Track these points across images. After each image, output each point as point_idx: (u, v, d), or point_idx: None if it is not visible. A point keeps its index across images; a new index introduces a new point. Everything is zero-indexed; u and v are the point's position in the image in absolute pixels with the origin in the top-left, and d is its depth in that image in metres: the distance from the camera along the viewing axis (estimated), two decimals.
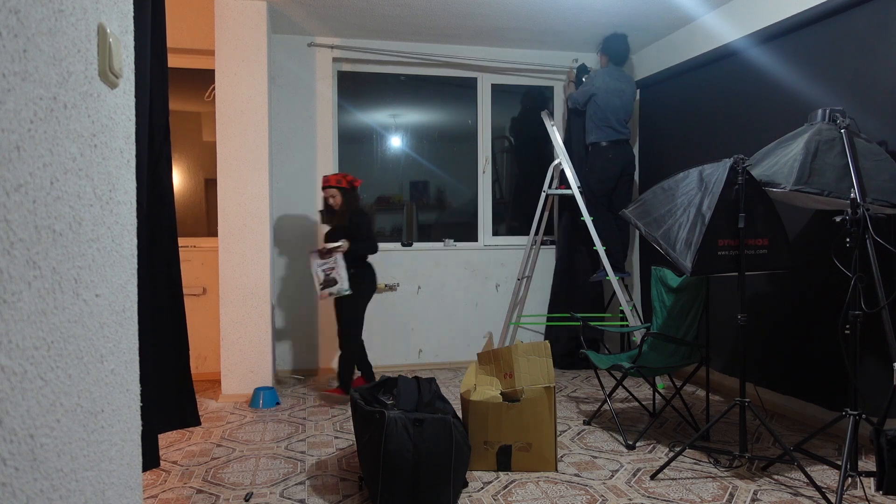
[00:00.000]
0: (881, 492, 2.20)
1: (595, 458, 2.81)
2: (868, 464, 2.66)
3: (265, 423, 3.33)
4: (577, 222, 4.44)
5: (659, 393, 3.40)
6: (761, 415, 2.58)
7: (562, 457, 2.81)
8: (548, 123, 4.44)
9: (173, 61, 3.39)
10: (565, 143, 4.56)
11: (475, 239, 4.88)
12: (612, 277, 4.10)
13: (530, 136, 5.06)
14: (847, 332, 2.30)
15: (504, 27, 4.25)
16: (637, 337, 4.07)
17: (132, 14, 1.25)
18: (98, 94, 1.06)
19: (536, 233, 4.50)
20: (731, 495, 2.38)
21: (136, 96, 1.28)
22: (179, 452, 2.89)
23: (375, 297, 4.13)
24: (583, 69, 4.61)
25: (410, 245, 4.69)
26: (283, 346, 4.43)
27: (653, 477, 2.57)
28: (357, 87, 4.70)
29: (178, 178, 4.45)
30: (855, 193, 2.29)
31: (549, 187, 4.44)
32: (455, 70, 4.78)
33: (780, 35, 3.27)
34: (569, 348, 4.53)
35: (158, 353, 2.12)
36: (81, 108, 0.98)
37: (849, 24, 2.88)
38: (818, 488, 2.31)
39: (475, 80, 4.86)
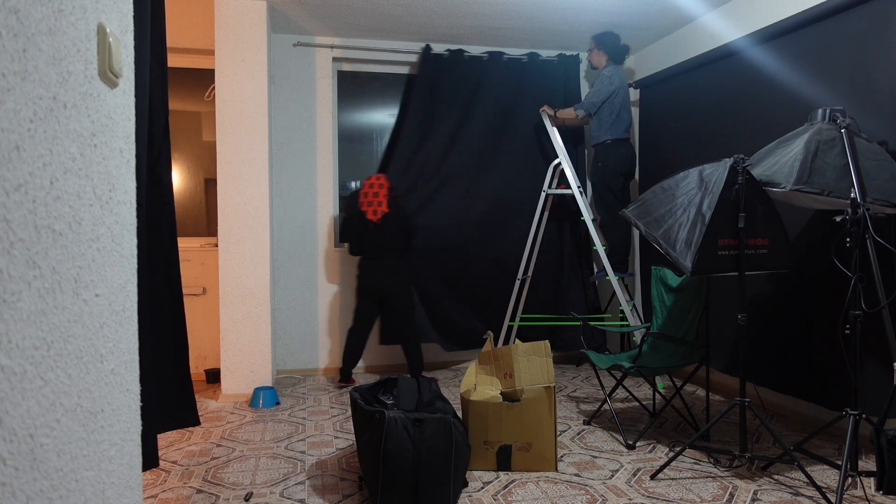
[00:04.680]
0: (881, 492, 2.21)
1: (595, 457, 2.81)
2: (868, 464, 2.66)
3: (265, 423, 3.33)
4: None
5: (659, 393, 3.40)
6: (761, 415, 2.59)
7: (562, 457, 2.81)
8: (547, 122, 4.44)
9: (173, 61, 3.41)
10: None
11: None
12: (612, 277, 4.10)
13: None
14: (847, 332, 2.30)
15: (504, 27, 4.25)
16: (637, 337, 4.07)
17: (132, 13, 1.25)
18: (98, 94, 1.06)
19: (536, 233, 4.50)
20: (731, 495, 2.38)
21: (135, 96, 1.28)
22: (179, 452, 2.89)
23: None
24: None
25: None
26: (283, 346, 4.43)
27: (653, 477, 2.57)
28: (357, 87, 4.70)
29: (178, 178, 4.45)
30: (855, 193, 2.29)
31: (549, 187, 4.44)
32: None
33: (780, 35, 3.27)
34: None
35: (158, 353, 2.12)
36: (81, 107, 0.98)
37: (849, 24, 2.88)
38: (818, 488, 2.31)
39: None
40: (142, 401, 1.32)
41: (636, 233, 4.66)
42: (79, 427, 0.95)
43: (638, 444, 2.96)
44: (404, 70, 4.69)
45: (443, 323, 4.45)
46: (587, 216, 4.23)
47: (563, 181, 4.41)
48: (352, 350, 4.04)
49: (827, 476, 2.55)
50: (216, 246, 3.98)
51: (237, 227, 3.80)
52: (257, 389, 3.68)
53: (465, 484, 2.49)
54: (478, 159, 4.52)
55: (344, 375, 4.08)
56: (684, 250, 2.46)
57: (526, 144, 4.63)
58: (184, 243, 3.74)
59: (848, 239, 2.25)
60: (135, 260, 1.28)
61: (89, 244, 1.01)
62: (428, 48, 4.48)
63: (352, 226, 3.98)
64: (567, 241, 4.70)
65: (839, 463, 2.38)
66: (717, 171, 2.51)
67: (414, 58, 4.57)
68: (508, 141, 4.60)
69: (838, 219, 2.27)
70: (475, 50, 4.61)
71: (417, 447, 2.22)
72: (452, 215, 4.44)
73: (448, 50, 4.51)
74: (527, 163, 4.62)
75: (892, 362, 2.22)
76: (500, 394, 2.67)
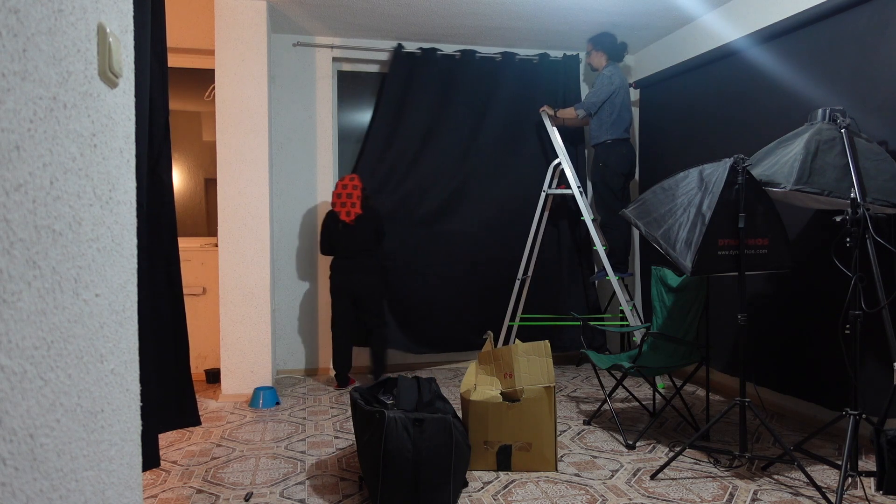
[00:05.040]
0: (881, 492, 2.21)
1: (595, 457, 2.81)
2: (868, 464, 2.66)
3: (265, 423, 3.33)
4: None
5: (659, 393, 3.40)
6: (761, 415, 2.58)
7: (562, 457, 2.81)
8: (547, 122, 4.44)
9: (173, 61, 3.40)
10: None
11: None
12: (612, 277, 4.10)
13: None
14: (847, 332, 2.30)
15: (504, 27, 4.25)
16: (637, 337, 4.07)
17: (132, 13, 1.25)
18: (98, 94, 1.06)
19: (536, 233, 4.50)
20: (731, 495, 2.38)
21: (135, 96, 1.28)
22: (179, 452, 2.89)
23: None
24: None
25: None
26: (283, 345, 4.43)
27: (653, 477, 2.57)
28: (357, 87, 4.70)
29: (178, 178, 4.45)
30: (855, 193, 2.29)
31: (549, 187, 4.44)
32: None
33: (780, 35, 3.27)
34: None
35: (158, 353, 2.12)
36: (81, 107, 0.98)
37: (849, 24, 2.88)
38: (818, 488, 2.31)
39: None
40: (142, 401, 1.32)
41: (636, 233, 4.66)
42: (79, 427, 0.95)
43: (638, 444, 2.96)
44: None
45: (408, 325, 4.43)
46: (587, 216, 4.23)
47: (563, 181, 4.41)
48: (339, 354, 4.03)
49: (827, 476, 2.55)
50: (216, 246, 3.98)
51: (237, 227, 3.80)
52: (257, 389, 3.68)
53: (465, 484, 2.49)
54: (457, 160, 4.52)
55: (340, 381, 4.07)
56: (684, 250, 2.46)
57: (505, 143, 4.62)
58: (184, 243, 3.73)
59: (848, 239, 2.25)
60: (135, 260, 1.28)
61: (89, 244, 1.01)
62: (400, 47, 4.47)
63: (326, 225, 4.01)
64: (567, 241, 4.70)
65: (839, 463, 2.38)
66: (717, 171, 2.51)
67: None
68: (486, 139, 4.58)
69: (838, 219, 2.27)
70: (480, 50, 4.61)
71: (417, 447, 2.22)
72: (430, 214, 4.45)
73: (420, 48, 4.49)
74: (509, 162, 4.62)
75: (892, 362, 2.22)
76: (500, 394, 2.67)
